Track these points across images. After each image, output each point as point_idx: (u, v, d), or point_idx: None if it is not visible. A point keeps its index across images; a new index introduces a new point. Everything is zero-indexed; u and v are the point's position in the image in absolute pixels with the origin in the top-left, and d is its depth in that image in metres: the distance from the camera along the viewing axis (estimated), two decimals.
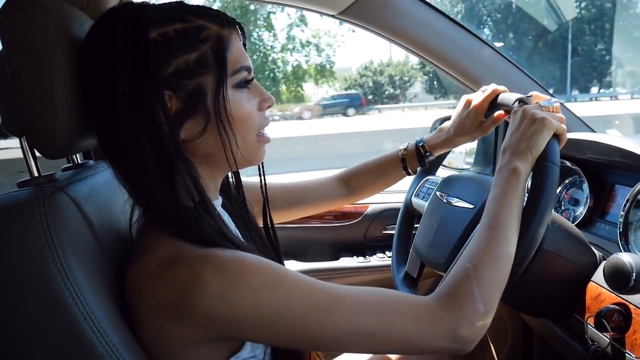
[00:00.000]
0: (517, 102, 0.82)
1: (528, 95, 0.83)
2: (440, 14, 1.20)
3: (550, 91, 1.23)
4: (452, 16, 1.23)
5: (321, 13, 1.23)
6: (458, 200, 0.97)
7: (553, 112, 0.77)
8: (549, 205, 0.71)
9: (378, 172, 1.07)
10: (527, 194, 0.73)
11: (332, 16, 1.22)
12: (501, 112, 0.91)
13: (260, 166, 0.79)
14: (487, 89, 0.93)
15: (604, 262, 0.82)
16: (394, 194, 1.63)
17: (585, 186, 1.08)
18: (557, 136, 0.75)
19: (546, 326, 0.98)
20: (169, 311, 0.57)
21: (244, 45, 0.71)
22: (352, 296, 0.61)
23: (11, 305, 0.53)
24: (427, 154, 1.03)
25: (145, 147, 0.61)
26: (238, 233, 0.77)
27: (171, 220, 0.62)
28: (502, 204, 0.70)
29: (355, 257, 1.55)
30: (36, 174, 0.68)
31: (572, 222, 1.04)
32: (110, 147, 0.65)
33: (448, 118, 1.04)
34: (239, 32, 0.69)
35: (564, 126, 0.75)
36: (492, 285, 0.65)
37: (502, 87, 0.93)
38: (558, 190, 1.15)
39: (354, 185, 1.07)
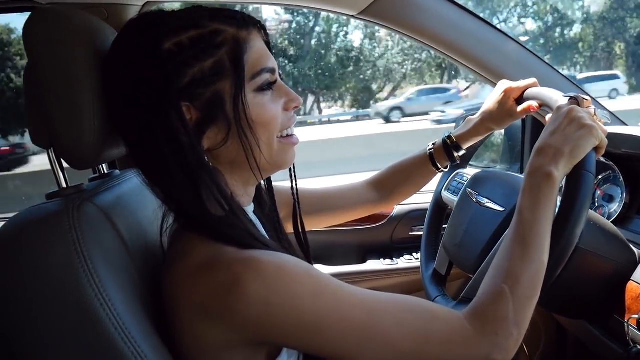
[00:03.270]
0: (569, 98, 0.77)
1: (582, 97, 0.77)
2: (462, 10, 1.18)
3: None
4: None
5: (341, 14, 1.21)
6: (488, 201, 0.95)
7: (600, 122, 0.73)
8: (584, 213, 0.68)
9: (408, 172, 1.04)
10: (559, 197, 0.70)
11: (352, 16, 1.21)
12: (534, 104, 0.87)
13: (292, 168, 0.77)
14: (528, 80, 0.91)
15: None
16: (420, 194, 1.60)
17: (620, 182, 1.04)
18: (596, 148, 0.71)
19: (583, 327, 0.95)
20: (208, 314, 0.57)
21: (268, 44, 0.69)
22: (390, 312, 0.60)
23: (43, 316, 0.53)
24: (455, 146, 0.99)
25: (168, 159, 0.61)
26: (268, 238, 0.76)
27: (203, 227, 0.62)
28: (535, 216, 0.67)
29: (382, 260, 1.53)
30: (64, 185, 0.69)
31: (607, 219, 1.00)
32: (137, 158, 0.65)
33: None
34: (260, 31, 0.67)
35: (606, 140, 0.72)
36: (527, 305, 0.64)
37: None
38: None
39: (385, 188, 1.05)
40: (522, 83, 0.91)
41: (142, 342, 0.56)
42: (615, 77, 17.95)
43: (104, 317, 0.54)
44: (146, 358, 0.55)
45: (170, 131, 0.60)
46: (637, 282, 0.81)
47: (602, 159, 1.08)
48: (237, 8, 0.74)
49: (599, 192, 1.10)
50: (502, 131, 1.49)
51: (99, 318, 0.53)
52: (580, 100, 0.75)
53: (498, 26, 1.22)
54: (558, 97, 0.79)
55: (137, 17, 0.65)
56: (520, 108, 0.90)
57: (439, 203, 1.18)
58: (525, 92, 0.89)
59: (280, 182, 0.91)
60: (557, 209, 0.70)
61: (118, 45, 0.64)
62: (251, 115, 0.64)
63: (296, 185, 0.81)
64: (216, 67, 0.62)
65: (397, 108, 17.00)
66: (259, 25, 0.67)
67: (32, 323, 0.53)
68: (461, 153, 1.00)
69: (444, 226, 1.14)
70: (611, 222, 0.98)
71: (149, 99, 0.60)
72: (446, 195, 1.15)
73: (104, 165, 0.88)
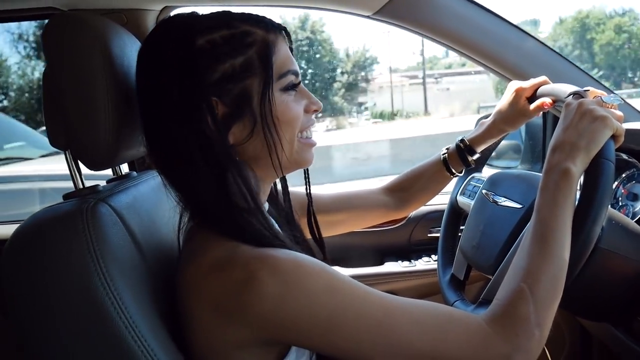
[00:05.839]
0: (572, 95, 0.76)
1: (585, 89, 0.76)
2: (478, 7, 1.16)
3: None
4: None
5: (355, 14, 1.21)
6: (505, 199, 0.93)
7: (612, 109, 0.71)
8: (604, 203, 0.67)
9: (423, 178, 1.04)
10: (578, 190, 0.69)
11: (367, 17, 1.20)
12: (547, 100, 0.86)
13: (306, 170, 0.79)
14: (538, 78, 0.90)
15: None
16: (439, 195, 1.58)
17: None
18: (614, 137, 0.69)
19: (606, 330, 0.92)
20: (223, 311, 0.57)
21: (291, 50, 0.71)
22: (406, 311, 0.59)
23: (55, 315, 0.54)
24: (469, 150, 0.99)
25: (195, 153, 0.62)
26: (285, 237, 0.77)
27: (224, 222, 0.62)
28: (554, 212, 0.65)
29: (400, 262, 1.52)
30: (81, 186, 0.70)
31: (632, 219, 0.97)
32: (161, 154, 0.67)
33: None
34: (285, 37, 0.70)
35: (623, 127, 0.70)
36: (548, 305, 0.62)
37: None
38: (615, 185, 1.08)
39: (400, 193, 1.05)
40: (532, 82, 0.90)
41: (152, 340, 0.56)
42: None
43: (115, 315, 0.54)
44: (155, 356, 0.56)
45: (199, 124, 0.62)
46: None
47: (625, 156, 1.05)
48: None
49: (622, 191, 1.07)
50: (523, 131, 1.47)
51: (110, 316, 0.54)
52: (584, 93, 0.74)
53: None
54: (570, 91, 0.78)
55: (170, 17, 0.68)
56: (533, 106, 0.90)
57: (454, 208, 1.16)
58: (538, 90, 0.88)
59: (294, 187, 0.92)
60: (576, 202, 0.68)
61: (152, 41, 0.67)
62: (276, 113, 0.66)
63: (309, 184, 0.82)
64: (246, 64, 0.64)
65: None
66: (284, 32, 0.70)
67: (45, 320, 0.54)
68: (475, 157, 1.00)
69: (460, 231, 1.12)
70: (635, 221, 0.95)
71: (180, 93, 0.62)
72: (462, 199, 1.13)
73: (121, 167, 0.89)
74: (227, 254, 0.59)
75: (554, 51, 1.19)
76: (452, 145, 1.02)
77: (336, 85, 27.05)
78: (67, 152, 0.70)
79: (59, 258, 0.55)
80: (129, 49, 0.72)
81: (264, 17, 0.68)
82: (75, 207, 0.59)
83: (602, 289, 0.80)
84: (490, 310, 0.63)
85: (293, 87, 0.68)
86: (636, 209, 1.02)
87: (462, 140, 1.00)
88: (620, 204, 1.06)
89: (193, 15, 0.67)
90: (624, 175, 1.07)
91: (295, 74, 0.69)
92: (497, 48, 1.18)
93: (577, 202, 0.68)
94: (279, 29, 0.69)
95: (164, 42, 0.65)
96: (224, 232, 0.62)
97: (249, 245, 0.59)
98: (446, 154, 1.01)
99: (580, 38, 31.54)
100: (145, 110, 0.66)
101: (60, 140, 0.69)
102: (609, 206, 0.71)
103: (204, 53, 0.63)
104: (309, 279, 0.57)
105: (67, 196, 0.67)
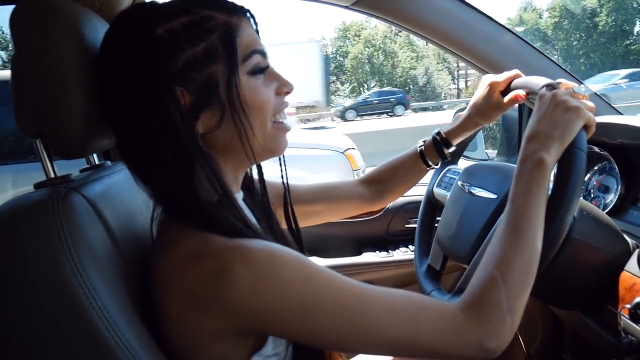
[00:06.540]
0: (546, 86, 0.77)
1: (557, 81, 0.78)
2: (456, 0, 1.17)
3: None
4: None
5: (333, 4, 1.20)
6: (480, 190, 0.95)
7: (583, 99, 0.73)
8: (576, 193, 0.68)
9: (399, 170, 1.05)
10: (551, 181, 0.70)
11: (346, 7, 1.20)
12: (521, 92, 0.88)
13: (282, 159, 0.78)
14: (511, 72, 0.91)
15: (638, 250, 0.79)
16: (417, 186, 1.60)
17: (616, 172, 1.04)
18: (585, 127, 0.71)
19: (577, 319, 0.95)
20: (197, 302, 0.57)
21: (257, 32, 0.69)
22: (380, 299, 0.60)
23: (27, 308, 0.53)
24: (445, 142, 1.00)
25: (163, 145, 0.61)
26: (259, 227, 0.76)
27: (194, 215, 0.61)
28: (527, 201, 0.67)
29: (377, 252, 1.53)
30: (52, 175, 0.68)
31: (603, 210, 1.00)
32: (129, 148, 0.65)
33: None
34: (250, 19, 0.68)
35: (594, 117, 0.72)
36: (520, 292, 0.64)
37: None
38: (587, 178, 1.11)
39: (377, 185, 1.06)
40: (505, 75, 0.91)
41: (127, 331, 0.55)
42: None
43: (88, 306, 0.53)
44: (130, 347, 0.55)
45: (165, 116, 0.60)
46: (630, 272, 0.81)
47: (597, 149, 1.07)
48: None
49: (594, 183, 1.09)
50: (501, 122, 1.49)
51: (83, 307, 0.53)
52: (557, 85, 0.75)
53: None
54: (543, 84, 0.79)
55: (129, 8, 0.66)
56: (507, 98, 0.91)
57: (430, 200, 1.17)
58: (512, 83, 0.90)
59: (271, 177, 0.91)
60: (549, 192, 0.70)
61: (111, 35, 0.65)
62: (245, 98, 0.64)
63: (286, 172, 0.80)
64: (209, 50, 0.63)
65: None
66: (248, 14, 0.68)
67: (16, 312, 0.53)
68: (451, 149, 1.01)
69: (436, 222, 1.14)
70: (606, 212, 0.98)
71: (143, 85, 0.60)
72: (438, 191, 1.14)
73: (95, 156, 0.87)
74: (201, 245, 0.58)
75: (529, 44, 1.20)
76: (428, 138, 1.03)
77: None
78: (37, 140, 0.68)
79: (29, 249, 0.54)
80: (101, 35, 0.71)
81: (225, 1, 0.66)
82: (46, 196, 0.58)
83: (573, 278, 0.82)
84: (463, 297, 0.64)
85: (261, 70, 0.66)
86: (607, 201, 1.05)
87: (438, 133, 1.01)
88: (592, 195, 1.09)
89: (152, 4, 0.65)
90: (595, 167, 1.09)
91: (262, 53, 0.66)
92: (473, 40, 1.19)
93: (549, 192, 0.70)
94: (242, 12, 0.67)
95: (124, 35, 0.63)
96: (195, 225, 0.61)
97: (222, 236, 0.59)
98: (422, 147, 1.02)
99: (338, 49, 36.87)
100: (110, 103, 0.64)
101: (30, 128, 0.67)
102: (581, 197, 0.73)
103: (165, 43, 0.61)
104: (283, 269, 0.57)
105: (38, 185, 0.65)
